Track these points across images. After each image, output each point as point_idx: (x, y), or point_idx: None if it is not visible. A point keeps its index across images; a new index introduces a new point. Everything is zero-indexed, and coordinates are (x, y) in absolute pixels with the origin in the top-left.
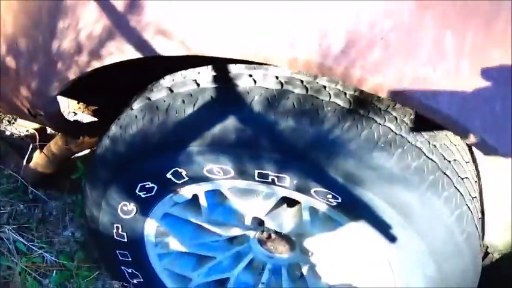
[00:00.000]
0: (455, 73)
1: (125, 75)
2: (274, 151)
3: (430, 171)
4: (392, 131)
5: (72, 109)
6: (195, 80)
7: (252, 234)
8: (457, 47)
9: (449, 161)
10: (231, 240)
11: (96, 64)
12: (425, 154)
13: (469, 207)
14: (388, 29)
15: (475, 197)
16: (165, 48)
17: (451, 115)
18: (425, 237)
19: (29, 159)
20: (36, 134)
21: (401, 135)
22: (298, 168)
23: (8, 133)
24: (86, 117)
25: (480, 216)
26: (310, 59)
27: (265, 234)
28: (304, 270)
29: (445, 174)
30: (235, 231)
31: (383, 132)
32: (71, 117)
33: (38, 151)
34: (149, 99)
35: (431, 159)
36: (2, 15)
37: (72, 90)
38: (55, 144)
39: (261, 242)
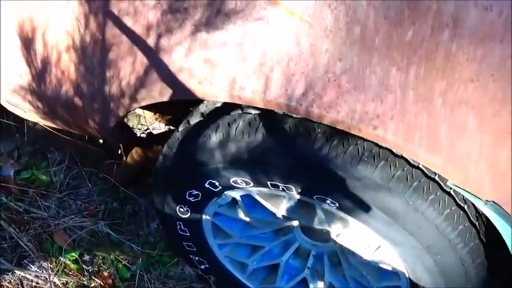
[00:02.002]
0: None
1: None
2: (277, 167)
3: (414, 178)
4: (377, 145)
5: (147, 122)
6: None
7: (295, 224)
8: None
9: None
10: (278, 231)
11: (135, 105)
12: (409, 164)
13: (460, 207)
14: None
15: None
16: (177, 95)
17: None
18: (416, 235)
19: (119, 164)
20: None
21: (386, 148)
22: (298, 180)
23: (101, 141)
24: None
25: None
26: (280, 102)
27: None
28: (340, 257)
29: (432, 180)
30: (276, 225)
31: (367, 147)
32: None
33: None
34: (189, 122)
35: (416, 167)
36: (66, 64)
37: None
38: (136, 152)
39: (305, 232)
